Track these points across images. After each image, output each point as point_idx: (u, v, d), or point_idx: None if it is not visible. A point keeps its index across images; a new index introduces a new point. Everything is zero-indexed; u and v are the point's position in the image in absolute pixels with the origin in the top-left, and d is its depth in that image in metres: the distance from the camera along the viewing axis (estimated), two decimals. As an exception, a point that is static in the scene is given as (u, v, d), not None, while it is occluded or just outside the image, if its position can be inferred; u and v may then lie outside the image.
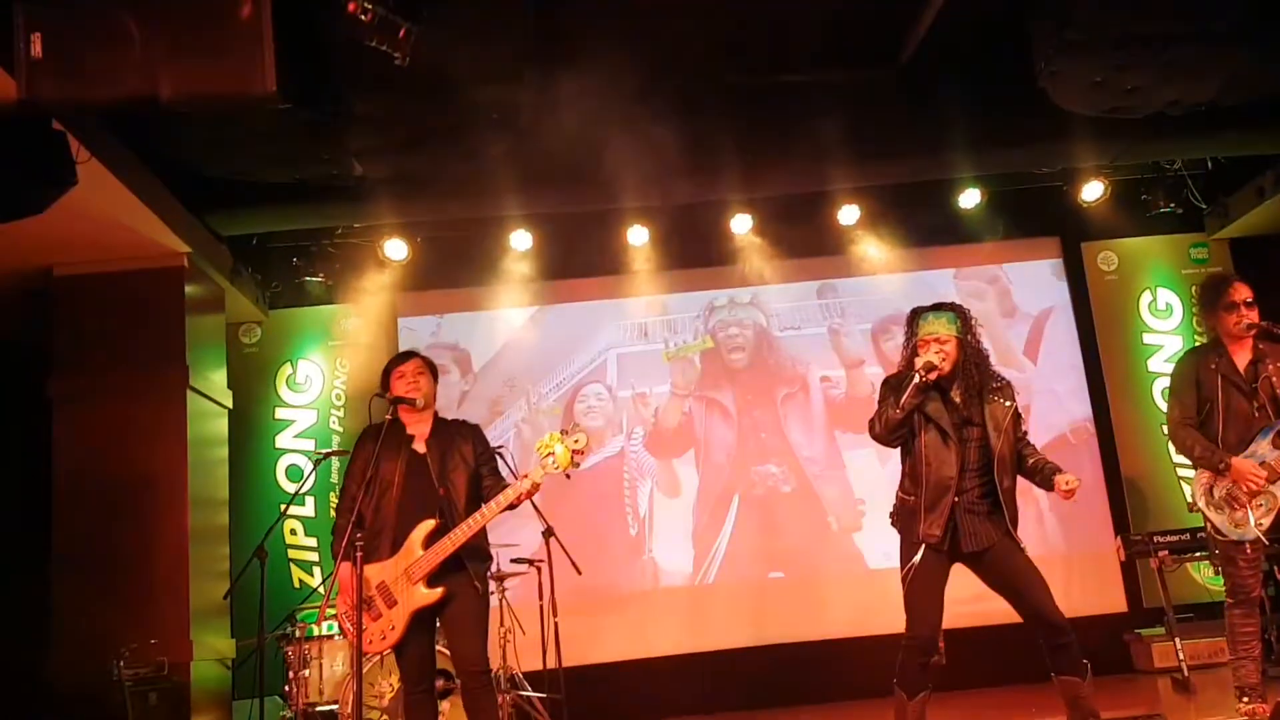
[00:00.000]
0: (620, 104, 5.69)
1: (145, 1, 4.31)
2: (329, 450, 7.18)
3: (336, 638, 6.02)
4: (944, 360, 4.16)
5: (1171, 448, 7.69)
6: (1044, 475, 4.18)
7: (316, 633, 6.04)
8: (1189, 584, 7.64)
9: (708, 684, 7.53)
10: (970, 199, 7.95)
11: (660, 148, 6.08)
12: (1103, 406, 8.15)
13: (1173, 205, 8.02)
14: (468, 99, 5.86)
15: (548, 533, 5.87)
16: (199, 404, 6.90)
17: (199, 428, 6.88)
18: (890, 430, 4.19)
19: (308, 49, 4.72)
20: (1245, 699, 4.62)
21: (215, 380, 7.23)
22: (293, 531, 7.82)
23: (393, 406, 4.35)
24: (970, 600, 4.50)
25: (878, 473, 7.46)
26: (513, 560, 6.22)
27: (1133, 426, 8.14)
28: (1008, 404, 4.22)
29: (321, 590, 7.33)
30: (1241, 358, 4.73)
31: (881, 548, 7.53)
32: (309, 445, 7.97)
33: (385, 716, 5.71)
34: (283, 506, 6.51)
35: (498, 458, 4.60)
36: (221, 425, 7.35)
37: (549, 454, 4.18)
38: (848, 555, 7.88)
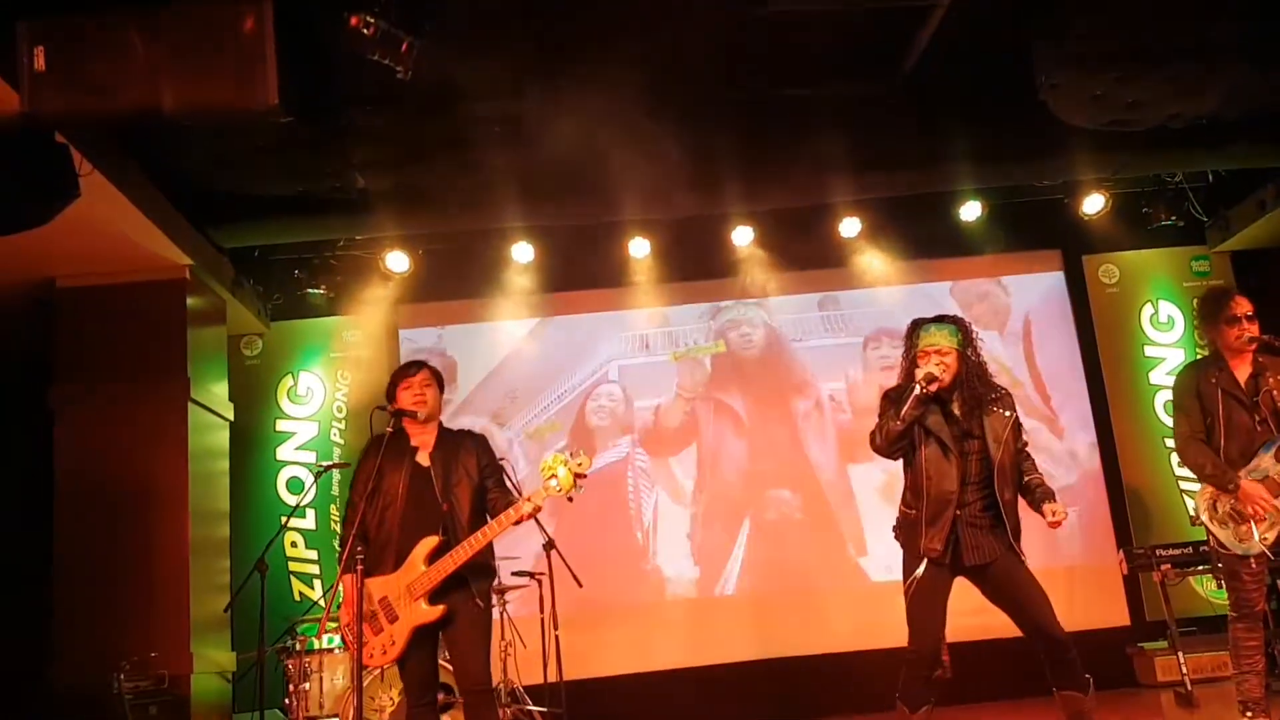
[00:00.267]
0: (622, 116, 5.71)
1: (148, 15, 4.34)
2: (330, 463, 7.18)
3: (337, 650, 6.01)
4: (944, 371, 4.15)
5: (1174, 460, 7.70)
6: (1035, 498, 4.18)
7: (317, 646, 6.02)
8: (1192, 597, 7.63)
9: (710, 697, 7.48)
10: (971, 211, 7.95)
11: (662, 160, 6.09)
12: (1104, 419, 8.14)
13: (1174, 218, 8.03)
14: (469, 112, 5.88)
15: (549, 545, 5.86)
16: (200, 416, 6.90)
17: (200, 439, 6.88)
18: (891, 442, 4.18)
19: (310, 62, 4.74)
20: (1249, 713, 4.59)
21: (216, 392, 7.23)
22: (293, 544, 7.81)
23: (394, 419, 4.34)
24: (972, 613, 4.48)
25: (882, 485, 7.46)
26: (514, 573, 6.20)
27: (1134, 439, 8.14)
28: (1007, 414, 4.21)
29: (322, 604, 7.31)
30: (1242, 371, 4.72)
31: (884, 561, 7.53)
32: (310, 457, 7.97)
33: (386, 730, 5.69)
34: (283, 519, 6.50)
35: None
36: (222, 437, 7.35)
37: (551, 476, 4.15)
38: (851, 569, 7.86)
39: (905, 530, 4.24)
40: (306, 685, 5.92)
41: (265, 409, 8.07)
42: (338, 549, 4.44)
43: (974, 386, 4.21)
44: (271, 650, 6.17)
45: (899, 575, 4.22)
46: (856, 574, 7.84)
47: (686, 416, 8.13)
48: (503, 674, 6.01)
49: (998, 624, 4.33)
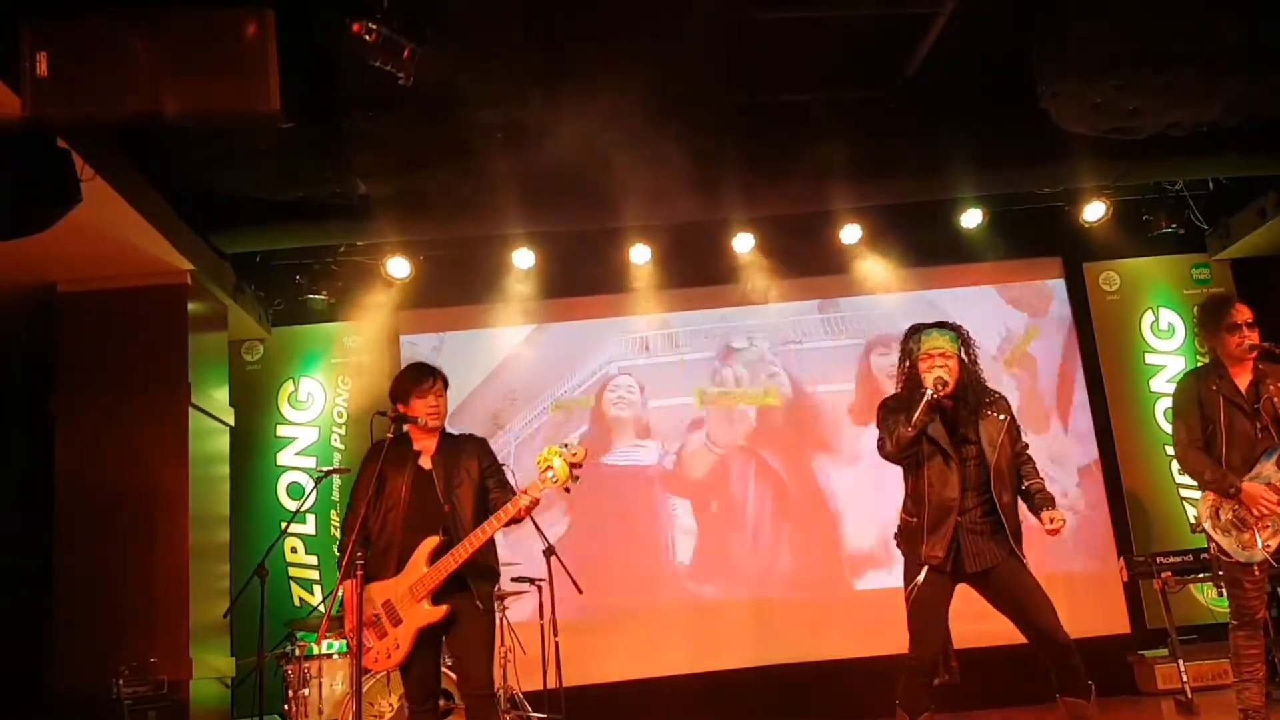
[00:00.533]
0: (623, 123, 5.71)
1: (150, 20, 4.33)
2: (330, 468, 7.17)
3: (336, 656, 6.00)
4: (950, 376, 4.16)
5: (1174, 468, 7.69)
6: (1033, 504, 4.19)
7: (316, 651, 6.01)
8: (1192, 605, 7.61)
9: (710, 704, 7.48)
10: (972, 219, 7.95)
11: (663, 166, 6.09)
12: (1105, 426, 8.14)
13: (1174, 226, 8.03)
14: (470, 118, 5.88)
15: (548, 551, 5.85)
16: (201, 421, 6.90)
17: (200, 445, 6.88)
18: (902, 449, 4.17)
19: (312, 68, 4.75)
20: (1249, 721, 4.60)
21: (217, 397, 7.23)
22: (293, 549, 7.80)
23: (395, 425, 4.34)
24: (974, 619, 4.48)
25: (880, 490, 7.44)
26: (514, 579, 6.19)
27: (1135, 447, 8.13)
28: (1001, 418, 4.22)
29: (321, 609, 7.30)
30: (1242, 379, 4.73)
31: (886, 568, 7.53)
32: (310, 463, 7.96)
33: (385, 736, 5.68)
34: (284, 524, 6.48)
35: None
36: (223, 442, 7.35)
37: (547, 468, 4.16)
38: (851, 576, 7.85)
39: (906, 538, 4.24)
40: (306, 691, 5.91)
41: (266, 414, 8.06)
42: (338, 554, 4.43)
43: (972, 392, 4.21)
44: (271, 655, 6.16)
45: (899, 581, 4.22)
46: (857, 581, 7.82)
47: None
48: (502, 680, 6.00)
49: (998, 630, 4.33)
